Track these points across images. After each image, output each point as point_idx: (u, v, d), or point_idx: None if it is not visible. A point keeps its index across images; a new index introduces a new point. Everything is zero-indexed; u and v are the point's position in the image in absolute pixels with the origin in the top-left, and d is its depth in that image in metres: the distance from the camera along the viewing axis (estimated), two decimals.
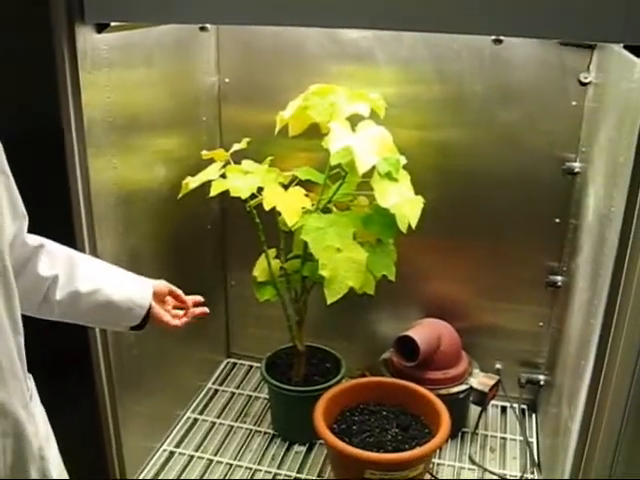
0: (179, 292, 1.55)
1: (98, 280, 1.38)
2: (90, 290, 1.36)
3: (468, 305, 2.24)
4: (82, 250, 1.61)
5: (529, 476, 2.00)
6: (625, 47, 1.30)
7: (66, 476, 1.32)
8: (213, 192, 1.81)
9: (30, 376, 1.23)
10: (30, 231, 1.26)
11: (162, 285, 1.51)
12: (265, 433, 2.19)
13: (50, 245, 1.34)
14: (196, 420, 2.25)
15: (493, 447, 2.13)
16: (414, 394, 1.98)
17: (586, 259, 1.68)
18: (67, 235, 1.58)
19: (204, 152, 1.91)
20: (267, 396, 2.29)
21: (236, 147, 1.88)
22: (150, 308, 1.45)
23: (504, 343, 2.25)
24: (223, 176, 1.83)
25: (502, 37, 1.88)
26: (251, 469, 2.03)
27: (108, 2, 1.48)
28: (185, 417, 2.26)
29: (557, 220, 2.05)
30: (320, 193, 1.90)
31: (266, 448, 2.12)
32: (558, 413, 1.81)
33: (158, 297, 1.49)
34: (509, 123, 2.00)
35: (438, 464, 2.04)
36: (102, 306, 1.38)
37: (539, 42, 1.89)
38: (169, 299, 1.54)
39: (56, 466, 1.27)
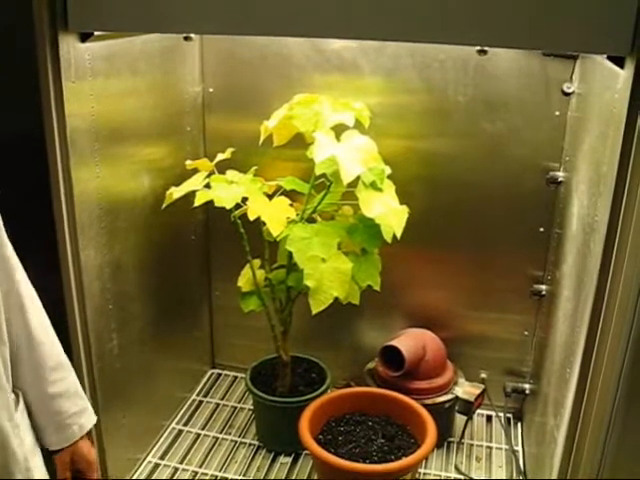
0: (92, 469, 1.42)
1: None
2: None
3: (453, 314, 2.24)
4: (65, 261, 1.60)
5: None
6: (608, 58, 1.31)
7: None
8: (197, 202, 1.79)
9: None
10: (12, 241, 1.25)
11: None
12: (250, 444, 2.17)
13: None
14: (181, 431, 2.23)
15: (479, 456, 2.13)
16: (400, 404, 1.98)
17: (570, 268, 1.69)
18: (50, 245, 1.57)
19: (188, 162, 1.91)
20: (252, 407, 2.28)
21: (220, 157, 1.88)
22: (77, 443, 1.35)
23: (489, 352, 2.25)
24: (207, 186, 1.82)
25: (486, 47, 1.89)
26: None
27: (92, 11, 1.47)
28: (170, 428, 2.24)
29: (541, 229, 2.06)
30: (305, 203, 1.90)
31: (251, 459, 2.10)
32: (544, 422, 1.81)
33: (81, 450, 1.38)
34: (493, 133, 2.00)
35: (424, 474, 2.03)
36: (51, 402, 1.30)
37: (523, 53, 1.90)
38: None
39: (41, 477, 1.26)
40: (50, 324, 1.31)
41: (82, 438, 1.36)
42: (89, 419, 1.38)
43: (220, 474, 2.04)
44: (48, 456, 1.32)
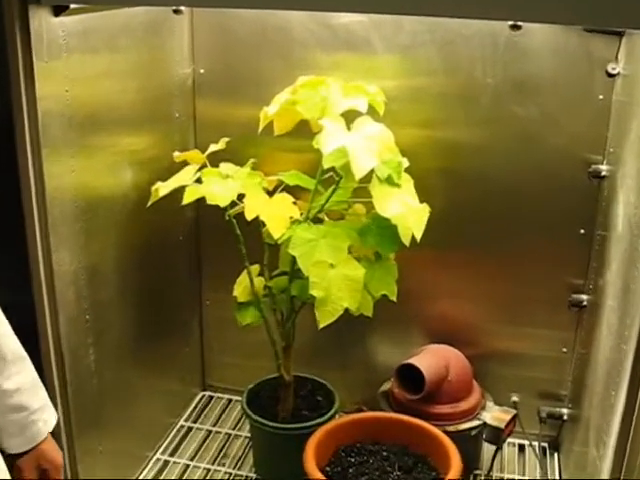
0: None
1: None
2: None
3: (480, 329, 2.25)
4: (36, 264, 1.60)
5: None
6: None
7: None
8: (186, 199, 1.80)
9: None
10: None
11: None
12: (247, 477, 2.17)
13: None
14: (167, 462, 2.24)
15: None
16: (419, 431, 1.98)
17: (616, 275, 1.69)
18: (18, 246, 1.58)
19: (176, 153, 1.91)
20: (249, 434, 2.28)
21: (213, 148, 1.88)
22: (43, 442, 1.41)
23: (522, 372, 2.26)
24: (198, 181, 1.82)
25: (520, 22, 1.89)
26: None
27: None
28: (154, 459, 2.25)
29: (582, 231, 2.06)
30: (310, 200, 1.90)
31: None
32: (585, 452, 1.81)
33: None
34: (526, 120, 2.01)
35: None
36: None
37: (562, 28, 1.90)
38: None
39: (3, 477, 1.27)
40: (3, 315, 1.35)
41: (46, 438, 1.40)
42: (53, 414, 1.43)
43: None
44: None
